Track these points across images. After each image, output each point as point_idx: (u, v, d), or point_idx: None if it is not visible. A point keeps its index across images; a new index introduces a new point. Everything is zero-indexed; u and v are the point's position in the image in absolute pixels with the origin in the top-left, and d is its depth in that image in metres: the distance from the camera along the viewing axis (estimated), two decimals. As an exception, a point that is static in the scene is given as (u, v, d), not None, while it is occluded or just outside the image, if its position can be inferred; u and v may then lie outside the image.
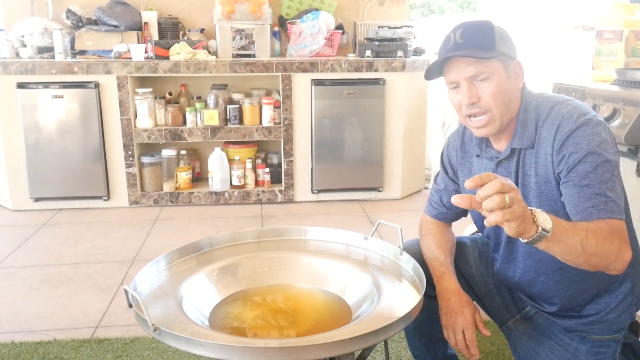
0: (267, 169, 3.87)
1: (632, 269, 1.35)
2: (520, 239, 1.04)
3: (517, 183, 1.35)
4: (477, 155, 1.44)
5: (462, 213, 1.57)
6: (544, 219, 1.04)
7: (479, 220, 1.49)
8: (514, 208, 0.97)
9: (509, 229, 1.00)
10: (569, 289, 1.36)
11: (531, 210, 1.03)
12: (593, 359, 1.39)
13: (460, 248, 1.58)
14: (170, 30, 3.99)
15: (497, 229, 1.42)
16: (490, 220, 0.98)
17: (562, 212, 1.26)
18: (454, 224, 1.62)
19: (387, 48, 3.77)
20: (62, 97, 3.54)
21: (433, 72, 1.35)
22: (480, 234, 1.67)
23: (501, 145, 1.38)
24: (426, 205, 1.63)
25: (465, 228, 2.55)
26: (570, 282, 1.35)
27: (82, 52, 3.81)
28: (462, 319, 1.35)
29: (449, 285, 1.41)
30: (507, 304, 1.55)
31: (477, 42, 1.27)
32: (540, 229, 1.03)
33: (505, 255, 1.45)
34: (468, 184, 0.98)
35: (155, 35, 3.93)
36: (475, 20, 1.33)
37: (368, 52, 3.78)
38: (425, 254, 1.50)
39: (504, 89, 1.29)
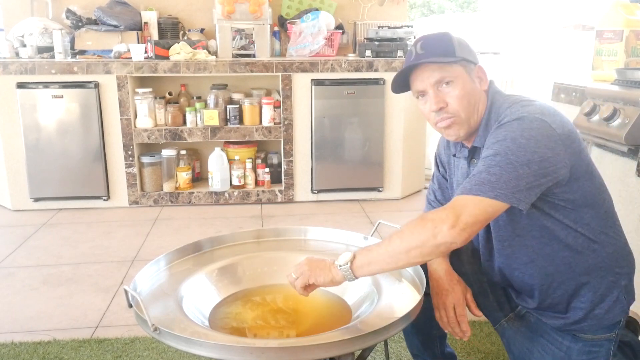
0: (267, 169, 3.87)
1: (613, 262, 1.34)
2: (339, 282, 1.28)
3: None
4: (454, 155, 1.49)
5: None
6: (343, 258, 1.25)
7: None
8: (303, 276, 1.29)
9: (321, 284, 1.29)
10: (544, 282, 1.36)
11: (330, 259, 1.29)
12: (585, 358, 1.39)
13: None
14: (170, 30, 3.99)
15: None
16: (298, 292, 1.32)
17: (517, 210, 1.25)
18: None
19: (387, 48, 3.77)
20: (62, 97, 3.53)
21: (399, 85, 1.40)
22: None
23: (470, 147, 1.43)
24: (425, 206, 1.67)
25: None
26: (543, 274, 1.35)
27: (82, 52, 3.81)
28: (452, 295, 1.38)
29: (441, 266, 1.44)
30: (501, 302, 1.54)
31: (437, 50, 1.32)
32: (338, 268, 1.25)
33: (485, 254, 1.47)
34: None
35: (155, 35, 3.93)
36: (433, 33, 1.39)
37: (368, 52, 3.78)
38: None
39: (469, 92, 1.34)
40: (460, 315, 1.37)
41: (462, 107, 1.33)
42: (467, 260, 1.57)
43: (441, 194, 1.60)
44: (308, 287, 1.30)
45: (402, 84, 1.40)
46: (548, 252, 1.33)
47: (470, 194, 1.19)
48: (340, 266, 1.25)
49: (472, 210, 1.18)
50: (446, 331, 1.41)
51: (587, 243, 1.32)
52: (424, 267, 1.44)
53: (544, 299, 1.38)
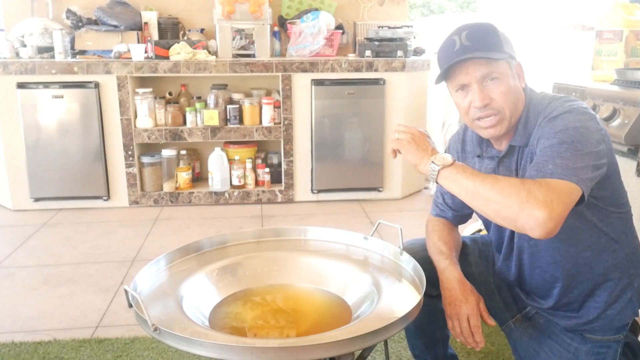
0: (267, 169, 3.87)
1: (629, 263, 1.36)
2: (421, 171, 1.25)
3: None
4: (478, 156, 1.45)
5: (468, 215, 1.58)
6: (442, 158, 1.22)
7: (485, 220, 1.49)
8: (400, 141, 1.28)
9: (407, 160, 1.27)
10: (564, 282, 1.37)
11: (436, 150, 1.25)
12: (593, 359, 1.39)
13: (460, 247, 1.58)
14: (170, 30, 3.99)
15: (501, 228, 1.43)
16: (388, 148, 1.33)
17: None
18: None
19: (387, 48, 3.77)
20: (62, 97, 3.54)
21: (440, 76, 1.35)
22: (481, 233, 1.67)
23: (502, 146, 1.39)
24: (432, 207, 1.64)
25: (465, 228, 2.55)
26: (565, 275, 1.36)
27: (82, 52, 3.81)
28: (466, 306, 1.35)
29: (453, 275, 1.40)
30: (508, 304, 1.55)
31: (485, 44, 1.27)
32: (430, 163, 1.22)
33: (507, 252, 1.46)
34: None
35: (155, 35, 3.93)
36: (477, 22, 1.33)
37: (368, 52, 3.78)
38: (430, 250, 1.50)
39: (512, 89, 1.30)
40: (475, 326, 1.34)
41: (506, 104, 1.29)
42: (474, 261, 1.58)
43: (450, 197, 1.56)
44: (397, 152, 1.31)
45: (441, 74, 1.34)
46: (572, 254, 1.33)
47: (554, 178, 1.11)
48: (432, 163, 1.22)
49: (562, 197, 1.09)
50: (458, 340, 1.38)
51: (609, 243, 1.32)
52: (433, 270, 1.44)
53: (561, 298, 1.39)
